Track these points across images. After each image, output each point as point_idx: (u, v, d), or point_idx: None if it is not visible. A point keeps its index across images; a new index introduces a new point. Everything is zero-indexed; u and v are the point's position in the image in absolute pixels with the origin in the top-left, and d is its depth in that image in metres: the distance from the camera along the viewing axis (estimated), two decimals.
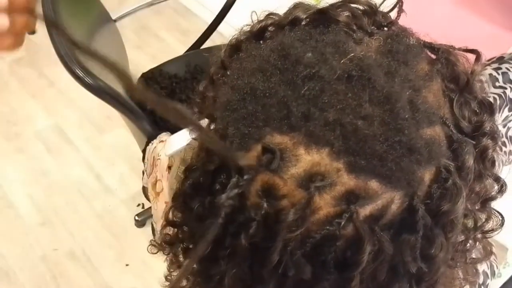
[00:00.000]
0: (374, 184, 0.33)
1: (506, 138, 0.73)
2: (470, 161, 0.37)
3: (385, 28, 0.41)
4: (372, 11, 0.40)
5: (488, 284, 0.63)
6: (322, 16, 0.40)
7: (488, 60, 0.75)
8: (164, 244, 0.51)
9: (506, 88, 0.73)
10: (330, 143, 0.33)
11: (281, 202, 0.34)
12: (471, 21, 0.95)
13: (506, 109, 0.72)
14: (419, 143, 0.34)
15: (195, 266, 0.44)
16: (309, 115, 0.33)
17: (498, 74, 0.74)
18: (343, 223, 0.33)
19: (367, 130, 0.33)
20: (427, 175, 0.36)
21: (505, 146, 0.72)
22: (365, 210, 0.34)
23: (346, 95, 0.34)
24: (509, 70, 0.75)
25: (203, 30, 1.60)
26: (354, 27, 0.39)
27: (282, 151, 0.34)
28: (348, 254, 0.34)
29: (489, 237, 0.45)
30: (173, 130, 0.90)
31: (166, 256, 0.52)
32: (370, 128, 0.33)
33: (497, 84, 0.73)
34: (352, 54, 0.36)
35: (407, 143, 0.34)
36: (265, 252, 0.34)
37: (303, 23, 0.40)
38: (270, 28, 0.41)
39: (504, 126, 0.71)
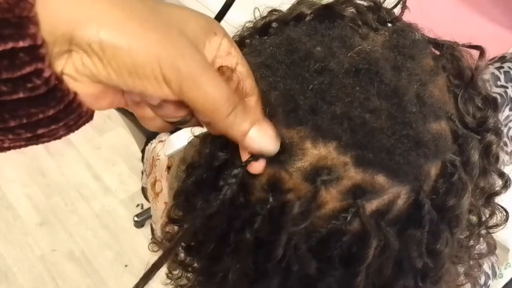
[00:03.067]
0: (381, 179, 0.33)
1: (507, 138, 0.73)
2: (475, 156, 0.37)
3: (389, 24, 0.41)
4: (377, 7, 0.40)
5: (489, 284, 0.63)
6: (327, 12, 0.39)
7: (491, 60, 0.75)
8: (165, 242, 0.51)
9: (507, 88, 0.73)
10: (337, 136, 0.33)
11: (286, 196, 0.34)
12: (472, 20, 0.94)
13: (507, 108, 0.72)
14: (426, 137, 0.34)
15: (196, 264, 0.43)
16: (317, 109, 0.33)
17: (500, 73, 0.74)
18: (349, 218, 0.33)
19: (375, 123, 0.33)
20: (433, 170, 0.35)
21: (507, 146, 0.72)
22: (372, 205, 0.34)
23: (354, 88, 0.34)
24: (511, 68, 0.75)
25: None
26: (360, 23, 0.39)
27: (285, 144, 0.33)
28: (353, 249, 0.34)
29: (493, 233, 0.45)
30: (172, 130, 0.89)
31: None
32: (378, 122, 0.33)
33: (498, 83, 0.73)
34: (359, 48, 0.35)
35: (415, 137, 0.33)
36: (270, 246, 0.34)
37: (308, 18, 0.40)
38: (274, 24, 0.41)
39: (505, 126, 0.71)
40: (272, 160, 0.33)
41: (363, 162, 0.33)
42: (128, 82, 0.27)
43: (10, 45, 0.22)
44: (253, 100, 0.32)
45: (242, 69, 0.31)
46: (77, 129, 0.28)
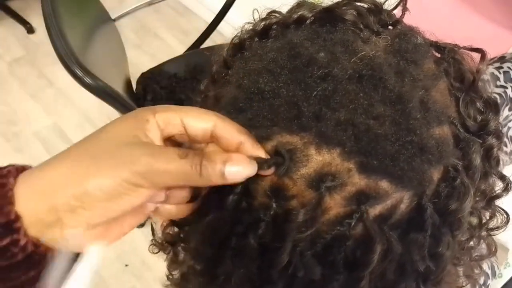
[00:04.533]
0: (384, 184, 0.33)
1: (507, 138, 0.74)
2: (477, 160, 0.37)
3: (390, 27, 0.40)
4: (377, 10, 0.40)
5: (489, 284, 0.63)
6: (328, 15, 0.39)
7: (490, 60, 0.75)
8: (165, 244, 0.50)
9: (506, 88, 0.73)
10: (341, 143, 0.33)
11: (290, 202, 0.34)
12: (472, 20, 0.94)
13: (506, 108, 0.72)
14: (430, 142, 0.34)
15: (198, 267, 0.43)
16: (321, 115, 0.33)
17: (500, 73, 0.74)
18: (353, 223, 0.33)
19: (379, 130, 0.33)
20: (436, 174, 0.35)
21: (506, 146, 0.72)
22: (375, 210, 0.34)
23: (358, 94, 0.34)
24: (510, 69, 0.75)
25: (203, 30, 1.60)
26: (361, 26, 0.38)
27: (292, 151, 0.33)
28: (357, 254, 0.34)
29: (493, 235, 0.45)
30: None
31: (166, 256, 0.51)
32: (382, 128, 0.33)
33: (498, 83, 0.73)
34: (362, 53, 0.35)
35: (419, 142, 0.33)
36: (274, 252, 0.34)
37: (308, 21, 0.40)
38: (274, 27, 0.41)
39: (504, 126, 0.71)
40: (276, 166, 0.33)
41: (367, 168, 0.33)
42: (114, 207, 0.31)
43: None
44: (219, 131, 0.34)
45: (187, 121, 0.34)
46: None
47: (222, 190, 0.35)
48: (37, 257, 0.29)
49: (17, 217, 0.28)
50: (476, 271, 0.47)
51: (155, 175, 0.31)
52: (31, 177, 0.31)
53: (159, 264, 0.52)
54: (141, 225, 1.64)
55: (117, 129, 0.33)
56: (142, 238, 1.65)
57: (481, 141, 0.39)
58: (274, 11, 0.43)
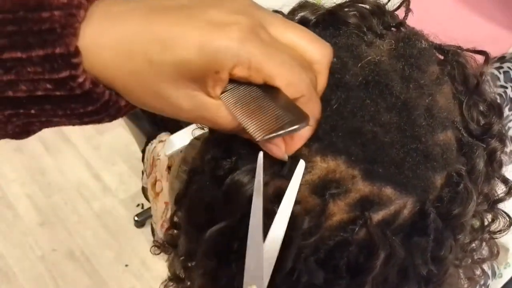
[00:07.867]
0: (388, 191, 0.33)
1: (507, 138, 0.73)
2: (480, 164, 0.37)
3: (393, 29, 0.40)
4: (380, 11, 0.40)
5: (489, 284, 0.63)
6: (331, 17, 0.39)
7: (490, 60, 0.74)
8: (167, 245, 0.50)
9: (507, 88, 0.73)
10: (347, 150, 0.33)
11: (294, 208, 0.34)
12: (472, 20, 0.94)
13: (507, 108, 0.72)
14: (435, 150, 0.34)
15: (199, 269, 0.43)
16: (337, 126, 0.33)
17: (500, 73, 0.74)
18: (357, 229, 0.33)
19: (385, 137, 0.33)
20: (439, 180, 0.35)
21: (506, 146, 0.72)
22: (378, 215, 0.34)
23: (365, 101, 0.34)
24: (510, 69, 0.75)
25: None
26: (364, 29, 0.38)
27: (296, 158, 0.33)
28: (360, 259, 0.34)
29: (496, 238, 0.45)
30: (172, 130, 0.89)
31: (168, 257, 0.51)
32: (388, 136, 0.33)
33: (498, 83, 0.73)
34: (368, 59, 0.35)
35: (424, 150, 0.34)
36: (278, 258, 0.34)
37: (311, 24, 0.40)
38: None
39: (504, 126, 0.71)
40: (279, 172, 0.33)
41: (372, 175, 0.33)
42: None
43: (49, 50, 0.26)
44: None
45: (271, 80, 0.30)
46: (121, 116, 0.32)
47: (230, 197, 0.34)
48: (95, 96, 0.28)
49: (77, 52, 0.27)
50: (478, 273, 0.47)
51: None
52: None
53: (159, 264, 0.52)
54: (141, 225, 1.64)
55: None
56: (142, 238, 1.66)
57: (484, 145, 0.39)
58: (276, 11, 0.43)
